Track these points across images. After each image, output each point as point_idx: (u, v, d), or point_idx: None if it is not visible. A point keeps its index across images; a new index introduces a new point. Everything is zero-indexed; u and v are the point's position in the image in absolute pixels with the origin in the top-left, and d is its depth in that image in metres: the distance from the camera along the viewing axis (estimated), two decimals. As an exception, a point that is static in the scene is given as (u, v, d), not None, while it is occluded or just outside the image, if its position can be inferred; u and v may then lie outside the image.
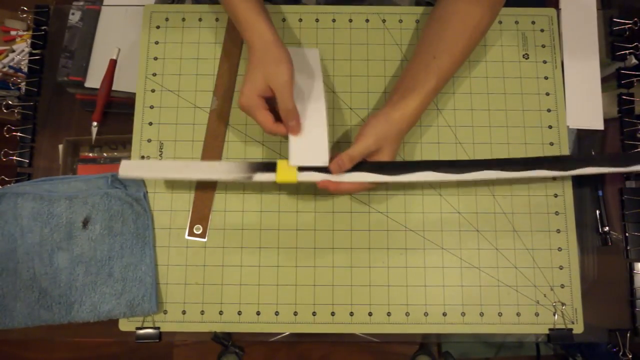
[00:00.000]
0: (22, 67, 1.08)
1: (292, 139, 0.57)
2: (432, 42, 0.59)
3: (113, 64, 0.68)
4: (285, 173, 0.56)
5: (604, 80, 0.68)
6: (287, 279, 0.61)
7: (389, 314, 0.60)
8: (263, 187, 0.63)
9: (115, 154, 0.67)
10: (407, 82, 0.58)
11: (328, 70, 0.67)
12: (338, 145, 0.64)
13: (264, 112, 0.56)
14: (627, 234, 0.64)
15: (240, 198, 0.63)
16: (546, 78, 0.67)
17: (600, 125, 0.66)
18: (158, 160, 0.64)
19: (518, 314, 0.60)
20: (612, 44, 0.70)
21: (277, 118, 0.57)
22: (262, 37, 0.56)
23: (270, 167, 0.57)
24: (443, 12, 0.60)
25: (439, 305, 0.61)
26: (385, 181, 0.57)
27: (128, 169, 0.59)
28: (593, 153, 0.66)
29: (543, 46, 0.68)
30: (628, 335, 0.61)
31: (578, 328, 0.60)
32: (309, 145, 0.57)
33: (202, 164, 0.62)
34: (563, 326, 0.60)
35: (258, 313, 0.60)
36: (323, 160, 0.56)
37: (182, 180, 0.63)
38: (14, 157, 0.67)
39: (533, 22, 0.68)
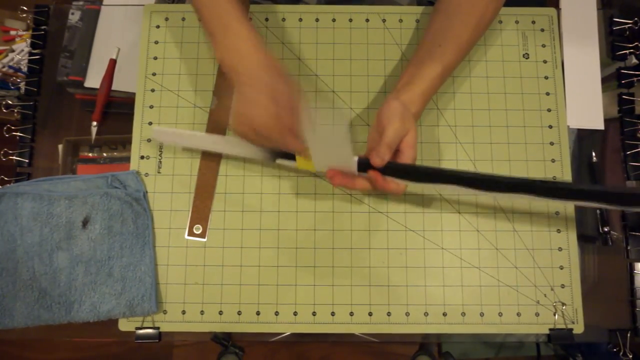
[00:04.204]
0: (22, 67, 1.08)
1: (313, 146, 0.53)
2: (437, 33, 0.59)
3: (113, 63, 0.68)
4: (304, 162, 0.56)
5: (604, 80, 0.68)
6: (287, 279, 0.61)
7: (389, 314, 0.60)
8: (263, 187, 0.63)
9: (115, 154, 0.67)
10: (412, 70, 0.58)
11: (328, 70, 0.67)
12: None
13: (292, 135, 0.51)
14: (627, 234, 0.64)
15: (240, 198, 0.63)
16: (546, 78, 0.67)
17: (600, 125, 0.66)
18: (188, 131, 0.63)
19: (518, 314, 0.60)
20: (612, 43, 0.70)
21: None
22: (261, 49, 0.51)
23: (291, 156, 0.57)
24: (448, 4, 0.60)
25: (439, 305, 0.60)
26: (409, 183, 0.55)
27: (158, 133, 0.62)
28: (595, 158, 0.66)
29: (543, 46, 0.68)
30: (628, 335, 0.61)
31: (578, 328, 0.60)
32: (333, 149, 0.53)
33: (230, 139, 0.60)
34: (563, 326, 0.60)
35: (258, 313, 0.60)
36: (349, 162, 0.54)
37: (210, 151, 0.63)
38: (14, 157, 0.67)
39: (533, 22, 0.68)
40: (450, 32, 0.58)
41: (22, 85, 0.69)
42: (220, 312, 0.60)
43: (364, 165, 0.54)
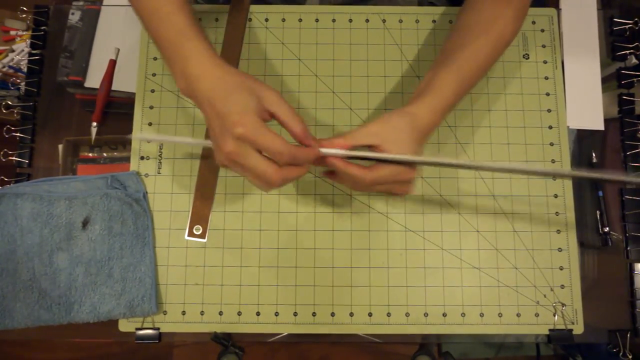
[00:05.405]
0: (22, 67, 1.08)
1: None
2: (454, 50, 0.57)
3: (112, 64, 0.68)
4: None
5: (604, 80, 0.68)
6: (286, 280, 0.61)
7: (389, 314, 0.60)
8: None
9: (115, 154, 0.67)
10: (424, 84, 0.56)
11: (328, 71, 0.66)
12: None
13: (274, 134, 0.45)
14: (627, 234, 0.64)
15: (240, 198, 0.63)
16: (546, 78, 0.67)
17: (600, 126, 0.66)
18: (175, 137, 0.64)
19: (518, 315, 0.60)
20: (613, 44, 0.70)
21: None
22: (217, 65, 0.47)
23: None
24: (465, 22, 0.58)
25: (439, 305, 0.60)
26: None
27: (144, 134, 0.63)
28: (595, 159, 0.66)
29: (543, 46, 0.68)
30: (628, 335, 0.61)
31: (578, 328, 0.60)
32: None
33: None
34: (563, 327, 0.60)
35: (258, 313, 0.60)
36: None
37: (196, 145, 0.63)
38: (14, 158, 0.67)
39: (533, 22, 0.68)
40: (467, 50, 0.56)
41: (22, 86, 0.69)
42: (220, 313, 0.60)
43: None
